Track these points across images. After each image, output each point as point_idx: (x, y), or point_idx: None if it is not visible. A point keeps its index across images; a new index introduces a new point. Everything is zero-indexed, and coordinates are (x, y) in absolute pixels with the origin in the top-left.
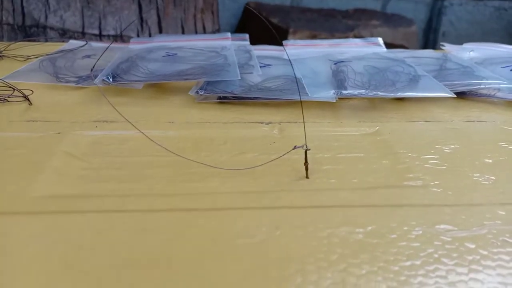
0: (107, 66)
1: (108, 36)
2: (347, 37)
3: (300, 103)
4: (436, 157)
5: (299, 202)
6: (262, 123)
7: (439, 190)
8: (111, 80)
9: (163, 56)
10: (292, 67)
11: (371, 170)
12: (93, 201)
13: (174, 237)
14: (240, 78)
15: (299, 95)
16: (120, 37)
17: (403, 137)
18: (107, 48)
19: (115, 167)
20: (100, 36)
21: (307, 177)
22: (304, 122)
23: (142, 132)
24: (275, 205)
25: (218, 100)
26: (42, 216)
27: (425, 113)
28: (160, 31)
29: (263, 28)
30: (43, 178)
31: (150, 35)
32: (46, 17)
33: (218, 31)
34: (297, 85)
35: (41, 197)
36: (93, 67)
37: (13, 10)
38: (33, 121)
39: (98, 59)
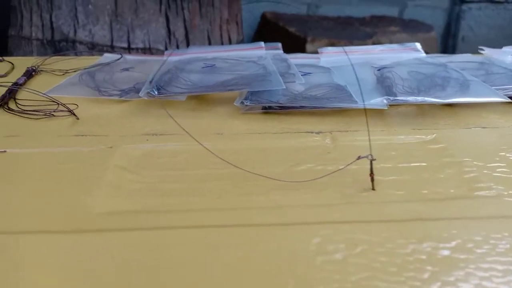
0: (147, 79)
1: (137, 49)
2: (366, 44)
3: (364, 111)
4: (503, 164)
5: (370, 216)
6: (312, 132)
7: None
8: (156, 92)
9: (202, 67)
10: (355, 72)
11: (437, 180)
12: (153, 217)
13: (247, 255)
14: (285, 87)
15: (362, 99)
16: (148, 50)
17: (463, 144)
18: (148, 61)
19: (170, 180)
20: (129, 49)
21: (373, 188)
22: (368, 130)
23: (202, 145)
24: (347, 219)
25: (263, 110)
26: (103, 234)
27: (480, 119)
28: (187, 43)
29: (281, 37)
30: (100, 193)
31: (177, 47)
32: (75, 31)
33: (242, 41)
34: (360, 90)
35: (100, 213)
36: (152, 78)
37: (42, 26)
38: (82, 135)
39: (154, 76)
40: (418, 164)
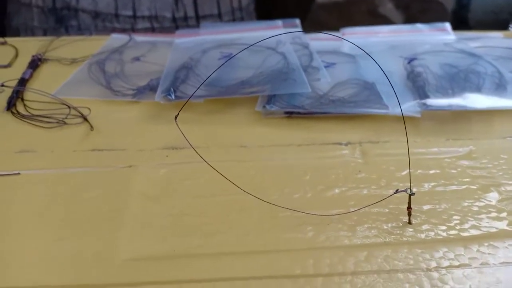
0: (163, 76)
1: (143, 17)
2: None
3: (403, 120)
4: None
5: (405, 260)
6: (340, 144)
7: None
8: (173, 97)
9: (219, 59)
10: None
11: (478, 210)
12: (185, 265)
13: None
14: (310, 90)
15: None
16: (155, 18)
17: (499, 161)
18: (159, 45)
19: (196, 212)
20: (134, 18)
21: (409, 222)
22: (409, 161)
23: (222, 175)
24: (387, 268)
25: (286, 115)
26: None
27: None
28: (196, 9)
29: None
30: (126, 232)
31: (185, 14)
32: None
33: (253, 3)
34: (397, 97)
35: (128, 260)
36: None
37: None
38: (98, 150)
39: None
40: (456, 187)
